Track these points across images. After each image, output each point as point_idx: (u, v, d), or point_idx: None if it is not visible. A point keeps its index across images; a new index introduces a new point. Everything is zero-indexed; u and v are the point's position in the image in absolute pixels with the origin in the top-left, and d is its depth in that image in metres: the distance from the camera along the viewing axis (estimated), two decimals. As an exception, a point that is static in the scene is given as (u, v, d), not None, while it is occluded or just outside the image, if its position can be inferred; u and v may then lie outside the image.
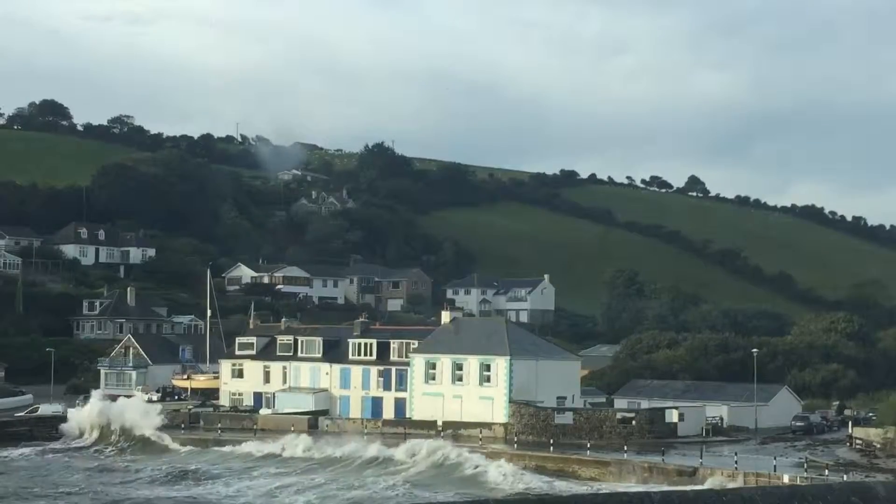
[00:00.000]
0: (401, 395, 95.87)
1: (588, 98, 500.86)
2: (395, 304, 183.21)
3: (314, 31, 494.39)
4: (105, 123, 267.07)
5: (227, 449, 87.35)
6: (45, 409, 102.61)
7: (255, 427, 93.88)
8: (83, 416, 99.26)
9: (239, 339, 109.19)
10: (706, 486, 61.90)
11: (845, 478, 61.14)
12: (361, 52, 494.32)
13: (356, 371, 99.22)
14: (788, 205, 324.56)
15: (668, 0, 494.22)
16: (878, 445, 77.04)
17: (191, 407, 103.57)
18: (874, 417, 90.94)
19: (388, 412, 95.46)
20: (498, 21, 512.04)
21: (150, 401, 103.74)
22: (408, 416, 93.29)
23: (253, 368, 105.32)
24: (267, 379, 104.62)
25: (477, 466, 74.99)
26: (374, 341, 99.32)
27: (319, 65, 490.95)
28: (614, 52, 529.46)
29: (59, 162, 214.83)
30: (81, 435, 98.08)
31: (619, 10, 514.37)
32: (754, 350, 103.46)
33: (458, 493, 66.11)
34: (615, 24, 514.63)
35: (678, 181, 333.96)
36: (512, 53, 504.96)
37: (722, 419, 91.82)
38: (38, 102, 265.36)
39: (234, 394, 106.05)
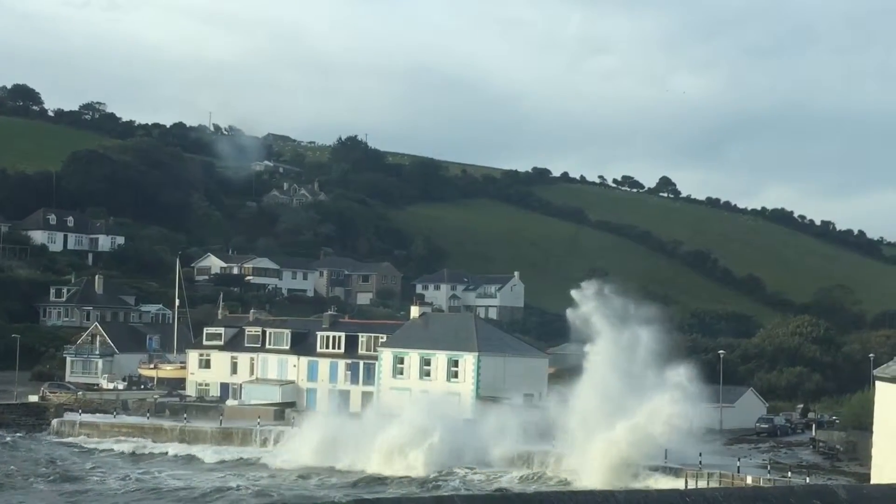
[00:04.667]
0: (368, 388, 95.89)
1: (564, 97, 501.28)
2: (364, 298, 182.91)
3: (292, 23, 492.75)
4: (76, 109, 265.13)
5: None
6: None
7: (221, 418, 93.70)
8: None
9: (207, 330, 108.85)
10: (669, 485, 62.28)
11: (808, 480, 61.58)
12: (338, 44, 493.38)
13: (324, 364, 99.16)
14: (759, 208, 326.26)
15: (649, 2, 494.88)
16: (841, 448, 77.74)
17: (157, 397, 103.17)
18: (837, 421, 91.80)
19: (356, 406, 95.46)
20: (477, 18, 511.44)
21: (115, 389, 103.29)
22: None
23: (220, 359, 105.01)
24: (234, 370, 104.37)
25: None
26: (343, 334, 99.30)
27: (295, 57, 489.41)
28: (593, 52, 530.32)
29: (29, 147, 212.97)
30: None
31: (600, 10, 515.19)
32: (721, 351, 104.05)
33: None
34: (596, 25, 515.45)
35: (650, 182, 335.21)
36: (490, 50, 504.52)
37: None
38: (9, 87, 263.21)
39: (200, 384, 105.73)
